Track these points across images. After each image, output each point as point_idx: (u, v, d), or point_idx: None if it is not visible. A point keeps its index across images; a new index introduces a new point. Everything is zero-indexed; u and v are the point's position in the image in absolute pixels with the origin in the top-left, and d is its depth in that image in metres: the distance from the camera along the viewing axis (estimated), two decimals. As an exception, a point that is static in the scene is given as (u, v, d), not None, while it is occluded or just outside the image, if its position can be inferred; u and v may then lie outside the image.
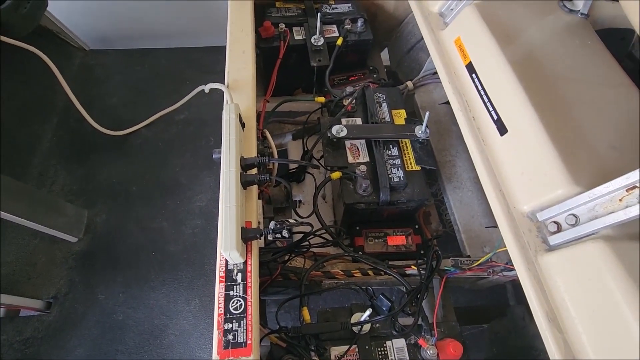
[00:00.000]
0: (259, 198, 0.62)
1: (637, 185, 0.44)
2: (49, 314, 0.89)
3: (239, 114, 0.60)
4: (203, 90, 0.80)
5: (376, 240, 0.80)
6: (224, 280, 0.49)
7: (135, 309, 0.90)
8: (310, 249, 0.68)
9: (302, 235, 0.68)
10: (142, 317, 0.89)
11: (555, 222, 0.53)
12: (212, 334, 0.46)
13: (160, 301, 0.91)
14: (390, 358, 0.55)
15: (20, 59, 0.99)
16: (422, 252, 0.77)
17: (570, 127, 0.59)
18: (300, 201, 0.95)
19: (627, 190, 0.45)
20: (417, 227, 0.82)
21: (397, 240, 0.81)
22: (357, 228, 0.81)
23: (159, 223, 1.03)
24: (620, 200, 0.46)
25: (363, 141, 0.79)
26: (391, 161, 0.75)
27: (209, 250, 0.97)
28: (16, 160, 0.97)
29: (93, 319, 0.89)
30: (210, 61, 1.24)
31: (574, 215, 0.51)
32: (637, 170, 0.44)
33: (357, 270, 0.67)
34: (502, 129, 0.62)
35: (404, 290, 0.63)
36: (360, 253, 0.72)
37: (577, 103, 0.63)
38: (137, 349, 0.86)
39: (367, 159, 0.76)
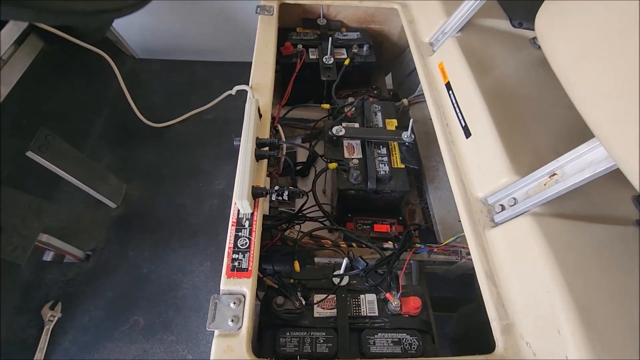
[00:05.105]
0: (267, 176, 0.77)
1: (556, 172, 0.58)
2: (88, 263, 1.06)
3: (258, 107, 0.77)
4: (229, 95, 0.98)
5: (364, 227, 0.94)
6: (235, 224, 0.64)
7: (157, 265, 1.06)
8: (307, 221, 0.82)
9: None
10: (163, 272, 1.05)
11: (501, 204, 0.66)
12: (219, 291, 0.59)
13: (178, 261, 1.08)
14: (362, 308, 0.67)
15: (85, 61, 1.21)
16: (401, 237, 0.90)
17: (520, 133, 0.72)
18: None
19: (549, 177, 0.59)
20: (401, 218, 0.95)
21: (382, 228, 0.94)
22: (349, 215, 0.95)
23: (182, 199, 1.22)
24: (545, 184, 0.59)
25: (358, 142, 0.94)
26: (380, 158, 0.90)
27: (222, 225, 1.13)
28: (74, 139, 1.17)
29: (123, 270, 1.06)
30: (238, 74, 1.45)
31: (514, 197, 0.63)
32: (555, 160, 0.57)
33: (343, 242, 0.81)
34: (467, 133, 0.76)
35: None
36: (344, 229, 0.85)
37: (531, 117, 0.76)
38: (156, 297, 1.02)
39: (360, 156, 0.91)
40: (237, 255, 0.60)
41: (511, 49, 0.92)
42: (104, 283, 1.06)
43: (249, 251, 0.60)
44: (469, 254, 0.83)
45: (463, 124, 0.78)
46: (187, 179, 1.29)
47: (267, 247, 0.78)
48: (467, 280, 0.94)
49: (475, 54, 0.86)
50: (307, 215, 0.83)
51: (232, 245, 0.61)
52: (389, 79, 1.46)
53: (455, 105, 0.81)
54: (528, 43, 0.95)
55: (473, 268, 0.65)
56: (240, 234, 0.62)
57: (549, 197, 0.57)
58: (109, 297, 1.04)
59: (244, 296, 0.56)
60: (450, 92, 0.84)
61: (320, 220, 0.84)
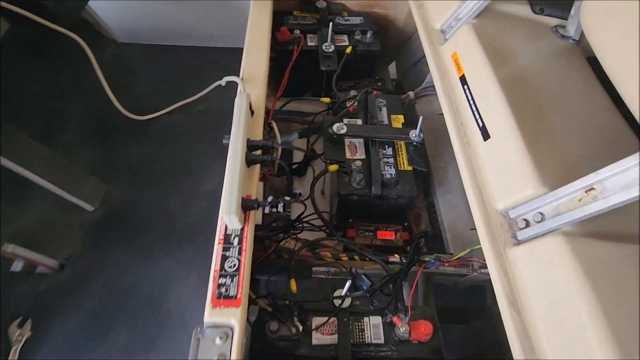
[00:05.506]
0: (260, 180, 0.68)
1: (595, 187, 0.50)
2: (62, 273, 0.98)
3: (250, 103, 0.68)
4: (221, 85, 0.89)
5: (367, 234, 0.86)
6: (222, 242, 0.56)
7: (139, 277, 0.99)
8: (304, 230, 0.74)
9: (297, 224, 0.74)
10: (145, 284, 0.98)
11: (525, 219, 0.58)
12: (202, 323, 0.51)
13: (162, 272, 0.99)
14: (366, 333, 0.60)
15: (60, 45, 1.09)
16: (407, 248, 0.83)
17: (546, 136, 0.64)
18: (300, 194, 1.01)
19: (585, 192, 0.51)
20: (406, 224, 0.87)
21: (386, 235, 0.86)
22: (350, 221, 0.87)
23: (168, 202, 1.13)
24: (579, 200, 0.51)
25: (361, 141, 0.85)
26: (385, 159, 0.81)
27: (212, 230, 1.04)
28: (48, 133, 1.07)
29: (101, 282, 0.98)
30: (231, 60, 1.34)
31: (540, 213, 0.56)
32: (594, 173, 0.49)
33: (345, 255, 0.73)
34: (485, 135, 0.68)
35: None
36: (346, 239, 0.78)
37: (556, 116, 0.68)
38: (137, 312, 0.94)
39: (363, 157, 0.83)
40: (224, 280, 0.52)
41: (532, 38, 0.83)
42: (80, 296, 0.97)
43: (238, 274, 0.52)
44: (482, 268, 0.76)
45: (480, 125, 0.69)
46: (174, 179, 1.19)
47: (260, 259, 0.71)
48: (475, 289, 0.87)
49: (493, 43, 0.77)
50: (304, 223, 0.75)
51: (218, 268, 0.53)
52: (392, 68, 1.36)
53: (472, 102, 0.73)
54: (550, 31, 0.86)
55: (484, 281, 0.58)
56: (227, 253, 0.55)
57: (584, 216, 0.49)
58: (85, 311, 0.95)
59: (232, 329, 0.48)
60: (466, 87, 0.75)
61: (319, 228, 0.76)
